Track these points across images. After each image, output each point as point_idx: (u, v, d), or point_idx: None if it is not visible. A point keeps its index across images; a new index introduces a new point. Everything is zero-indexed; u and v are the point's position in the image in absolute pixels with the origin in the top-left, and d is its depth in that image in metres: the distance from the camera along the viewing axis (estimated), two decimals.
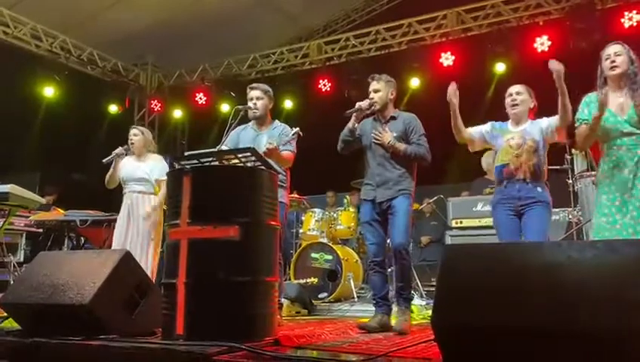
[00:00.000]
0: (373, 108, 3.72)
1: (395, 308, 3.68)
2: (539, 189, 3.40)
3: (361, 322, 3.56)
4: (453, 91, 3.47)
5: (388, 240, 3.77)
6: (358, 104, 3.70)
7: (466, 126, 3.64)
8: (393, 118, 3.76)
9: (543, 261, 1.89)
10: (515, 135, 3.50)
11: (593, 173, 5.20)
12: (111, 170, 4.75)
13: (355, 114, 3.69)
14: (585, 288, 1.78)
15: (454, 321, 1.92)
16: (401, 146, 3.63)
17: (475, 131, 3.65)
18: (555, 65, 3.11)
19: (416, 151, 3.65)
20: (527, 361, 1.82)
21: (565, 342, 1.74)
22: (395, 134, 3.66)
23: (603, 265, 1.82)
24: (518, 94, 3.55)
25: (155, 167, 4.73)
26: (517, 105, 3.53)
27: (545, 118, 3.49)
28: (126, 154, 4.81)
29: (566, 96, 3.22)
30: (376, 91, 3.74)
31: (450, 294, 1.98)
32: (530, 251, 2.01)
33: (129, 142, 4.83)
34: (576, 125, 3.18)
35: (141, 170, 4.75)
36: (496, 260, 2.02)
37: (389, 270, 3.88)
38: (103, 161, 4.72)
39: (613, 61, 3.08)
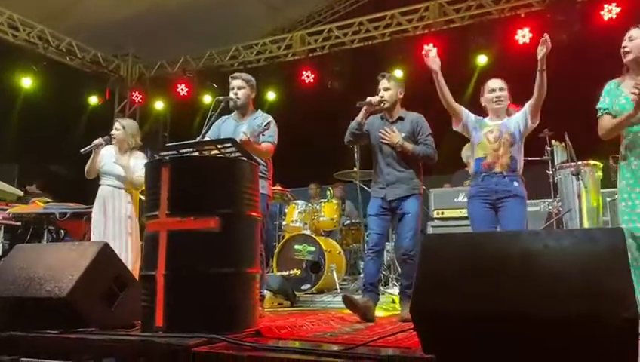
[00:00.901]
0: (382, 105, 3.76)
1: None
2: (515, 183, 3.45)
3: (346, 315, 3.60)
4: (432, 57, 3.49)
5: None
6: (368, 98, 3.74)
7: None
8: (401, 118, 3.81)
9: (520, 249, 1.91)
10: (492, 128, 3.53)
11: (573, 164, 5.27)
12: (90, 160, 4.68)
13: (364, 108, 3.73)
14: (560, 276, 1.80)
15: (432, 308, 1.93)
16: (410, 146, 3.69)
17: (465, 110, 3.69)
18: (547, 41, 3.17)
19: (424, 151, 3.71)
20: (504, 347, 1.83)
21: (540, 327, 1.76)
22: (403, 134, 3.71)
23: (579, 254, 1.85)
24: (501, 90, 3.59)
25: (137, 166, 4.67)
26: (502, 101, 3.57)
27: (519, 112, 3.53)
28: (105, 145, 4.75)
29: (544, 73, 3.29)
30: (386, 90, 3.78)
31: (429, 282, 1.99)
32: (507, 239, 2.03)
33: (111, 134, 4.77)
34: (597, 115, 3.09)
35: (120, 168, 4.69)
36: (474, 248, 2.03)
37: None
38: (82, 150, 4.66)
39: (625, 46, 3.01)
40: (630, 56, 2.99)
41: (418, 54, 7.80)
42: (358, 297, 3.62)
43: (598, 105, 3.10)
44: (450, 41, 7.69)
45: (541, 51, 3.25)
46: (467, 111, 3.69)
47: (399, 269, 5.77)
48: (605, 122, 3.04)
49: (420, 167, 3.81)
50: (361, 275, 4.92)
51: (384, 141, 3.73)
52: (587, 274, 1.77)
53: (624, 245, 1.81)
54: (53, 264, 2.86)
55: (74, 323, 2.64)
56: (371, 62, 7.98)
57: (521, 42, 7.30)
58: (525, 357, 1.83)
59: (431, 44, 7.71)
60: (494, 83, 3.64)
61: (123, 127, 4.80)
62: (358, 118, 3.74)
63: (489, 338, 1.84)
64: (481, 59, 7.70)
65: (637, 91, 2.82)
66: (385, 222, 3.76)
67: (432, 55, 3.53)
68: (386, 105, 3.77)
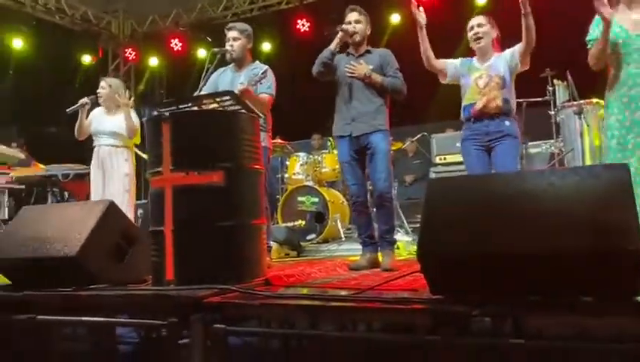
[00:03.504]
0: (354, 38, 3.61)
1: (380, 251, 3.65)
2: (507, 123, 3.42)
3: (351, 262, 3.61)
4: (419, 12, 3.42)
5: (369, 182, 3.75)
6: (344, 26, 3.58)
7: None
8: (368, 51, 3.67)
9: (525, 188, 1.91)
10: (482, 73, 3.47)
11: (575, 103, 5.23)
12: (78, 120, 4.65)
13: (338, 36, 3.57)
14: (566, 213, 1.81)
15: (438, 251, 1.95)
16: (379, 78, 3.54)
17: (449, 62, 3.61)
18: None
19: (393, 83, 3.56)
20: (511, 286, 1.87)
21: (547, 264, 1.79)
22: (371, 67, 3.57)
23: (584, 191, 1.85)
24: (479, 26, 3.50)
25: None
26: (480, 38, 3.48)
27: (508, 50, 3.46)
28: (92, 105, 4.70)
29: (529, 16, 3.18)
30: (357, 22, 3.63)
31: (434, 225, 2.01)
32: (512, 180, 2.04)
33: (97, 93, 4.72)
34: (588, 47, 3.05)
35: (111, 123, 4.66)
36: (478, 190, 2.04)
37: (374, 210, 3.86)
38: (67, 110, 4.61)
39: None
40: None
41: None
42: (359, 260, 3.54)
43: (588, 38, 3.05)
44: None
45: None
46: (450, 61, 3.61)
47: (401, 213, 5.82)
48: (593, 51, 2.99)
49: (387, 101, 3.64)
50: None
51: (352, 75, 3.57)
52: (592, 210, 1.78)
53: (629, 179, 1.81)
54: (61, 224, 2.88)
55: (86, 280, 2.68)
56: (368, 6, 7.77)
57: None
58: (533, 294, 1.87)
59: None
60: (472, 20, 3.55)
61: (109, 85, 4.75)
62: (331, 46, 3.57)
63: (496, 278, 1.87)
64: (480, 0, 7.52)
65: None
66: (358, 169, 3.61)
67: (418, 11, 3.44)
68: (357, 38, 3.61)
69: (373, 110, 3.56)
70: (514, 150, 3.43)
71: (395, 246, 3.69)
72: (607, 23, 2.84)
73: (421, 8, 3.48)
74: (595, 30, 3.02)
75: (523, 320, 1.79)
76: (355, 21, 3.63)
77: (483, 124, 3.43)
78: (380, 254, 3.57)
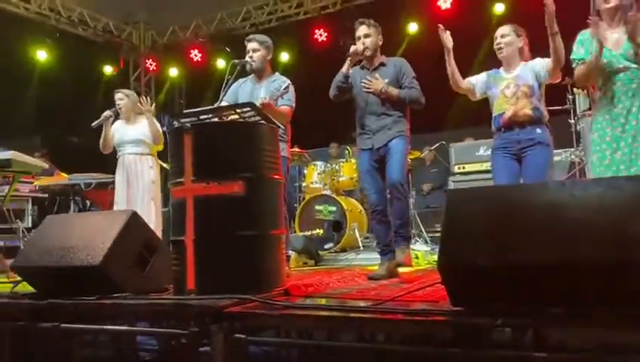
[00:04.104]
0: (365, 53, 3.63)
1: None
2: (538, 130, 3.39)
3: (370, 272, 3.61)
4: (446, 36, 3.43)
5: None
6: (352, 47, 3.61)
7: (465, 74, 3.59)
8: (382, 64, 3.68)
9: (547, 200, 1.90)
10: (509, 82, 3.46)
11: None
12: (103, 134, 4.73)
13: (349, 58, 3.61)
14: (588, 224, 1.80)
15: (460, 262, 1.95)
16: (394, 91, 3.56)
17: (475, 80, 3.62)
18: (547, 1, 3.04)
19: (410, 95, 3.59)
20: (532, 297, 1.86)
21: (569, 276, 1.77)
22: (386, 80, 3.59)
23: (606, 202, 1.84)
24: (502, 37, 3.49)
25: (147, 126, 4.70)
26: (502, 48, 3.48)
27: (538, 60, 3.43)
28: (115, 118, 4.78)
29: (557, 36, 3.16)
30: (366, 36, 3.64)
31: (455, 236, 2.00)
32: (533, 191, 2.03)
33: (116, 106, 4.80)
34: (573, 65, 3.10)
35: (134, 132, 4.73)
36: (499, 201, 2.03)
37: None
38: (92, 125, 4.70)
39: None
40: (612, 3, 2.96)
41: (433, 5, 7.69)
42: (378, 270, 3.55)
43: (572, 56, 3.10)
44: None
45: (547, 14, 3.07)
46: (475, 78, 3.61)
47: (419, 222, 5.77)
48: (580, 70, 3.05)
49: (406, 110, 3.68)
50: None
51: (368, 90, 3.61)
52: (615, 222, 1.77)
53: None
54: (84, 233, 2.93)
55: (109, 289, 2.73)
56: (386, 16, 7.78)
57: None
58: (554, 305, 1.85)
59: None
60: (498, 31, 3.54)
61: (126, 95, 4.83)
62: (343, 69, 3.61)
63: (517, 289, 1.86)
64: (499, 8, 7.51)
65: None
66: (378, 177, 3.63)
67: (444, 33, 3.44)
68: (368, 52, 3.63)
69: (391, 122, 3.60)
70: (545, 158, 3.38)
71: (412, 242, 3.68)
72: (602, 45, 2.91)
73: (448, 32, 3.47)
74: (579, 49, 3.08)
75: (545, 332, 1.78)
76: (364, 35, 3.65)
77: (514, 132, 3.41)
78: (396, 247, 3.55)
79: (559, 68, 3.32)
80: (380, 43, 3.71)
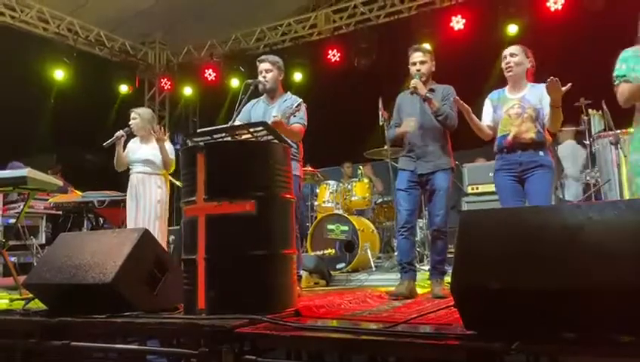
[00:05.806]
0: (421, 79, 3.66)
1: (424, 276, 3.76)
2: (541, 153, 3.39)
3: (390, 291, 3.62)
4: (462, 104, 3.46)
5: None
6: (412, 86, 3.61)
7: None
8: (432, 90, 3.72)
9: (563, 223, 1.87)
10: (514, 103, 3.45)
11: (611, 133, 5.12)
12: (116, 153, 4.78)
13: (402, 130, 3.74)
14: (605, 248, 1.77)
15: (473, 285, 1.92)
16: (436, 103, 3.61)
17: (488, 116, 3.63)
18: (557, 82, 3.10)
19: (447, 112, 3.62)
20: (547, 323, 1.82)
21: (585, 301, 1.74)
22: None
23: (623, 225, 1.80)
24: (512, 56, 3.49)
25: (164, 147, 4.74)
26: (511, 67, 3.48)
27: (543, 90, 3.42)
28: (127, 137, 4.82)
29: (559, 110, 3.23)
30: (422, 63, 3.71)
31: (469, 259, 1.98)
32: (549, 214, 2.00)
33: (129, 124, 4.85)
34: (615, 82, 3.00)
35: (144, 152, 4.77)
36: (514, 224, 2.00)
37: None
38: (104, 144, 4.74)
39: None
40: None
41: (446, 27, 7.73)
42: (398, 287, 3.58)
43: (615, 74, 3.00)
44: (478, 11, 7.50)
45: (552, 92, 3.16)
46: (486, 112, 3.64)
47: (433, 246, 5.74)
48: (624, 88, 2.93)
49: (448, 142, 3.75)
50: (396, 253, 4.89)
51: (412, 87, 3.62)
52: (633, 246, 1.73)
53: None
54: (96, 251, 2.95)
55: (119, 307, 2.72)
56: (399, 37, 7.87)
57: (552, 9, 7.09)
58: (569, 331, 1.81)
59: (459, 15, 7.59)
60: (506, 50, 3.56)
61: (139, 114, 4.88)
62: (399, 131, 3.75)
63: (532, 314, 1.82)
64: (512, 29, 7.49)
65: None
66: (415, 197, 3.71)
67: (460, 103, 3.49)
68: (424, 78, 3.70)
69: (436, 149, 3.68)
70: (548, 181, 3.39)
71: (446, 275, 3.70)
72: None
73: (462, 102, 3.51)
74: (621, 65, 2.99)
75: (559, 358, 1.74)
76: (420, 62, 3.71)
77: (516, 154, 3.41)
78: (428, 286, 3.66)
79: (552, 131, 3.44)
80: (433, 70, 3.77)
